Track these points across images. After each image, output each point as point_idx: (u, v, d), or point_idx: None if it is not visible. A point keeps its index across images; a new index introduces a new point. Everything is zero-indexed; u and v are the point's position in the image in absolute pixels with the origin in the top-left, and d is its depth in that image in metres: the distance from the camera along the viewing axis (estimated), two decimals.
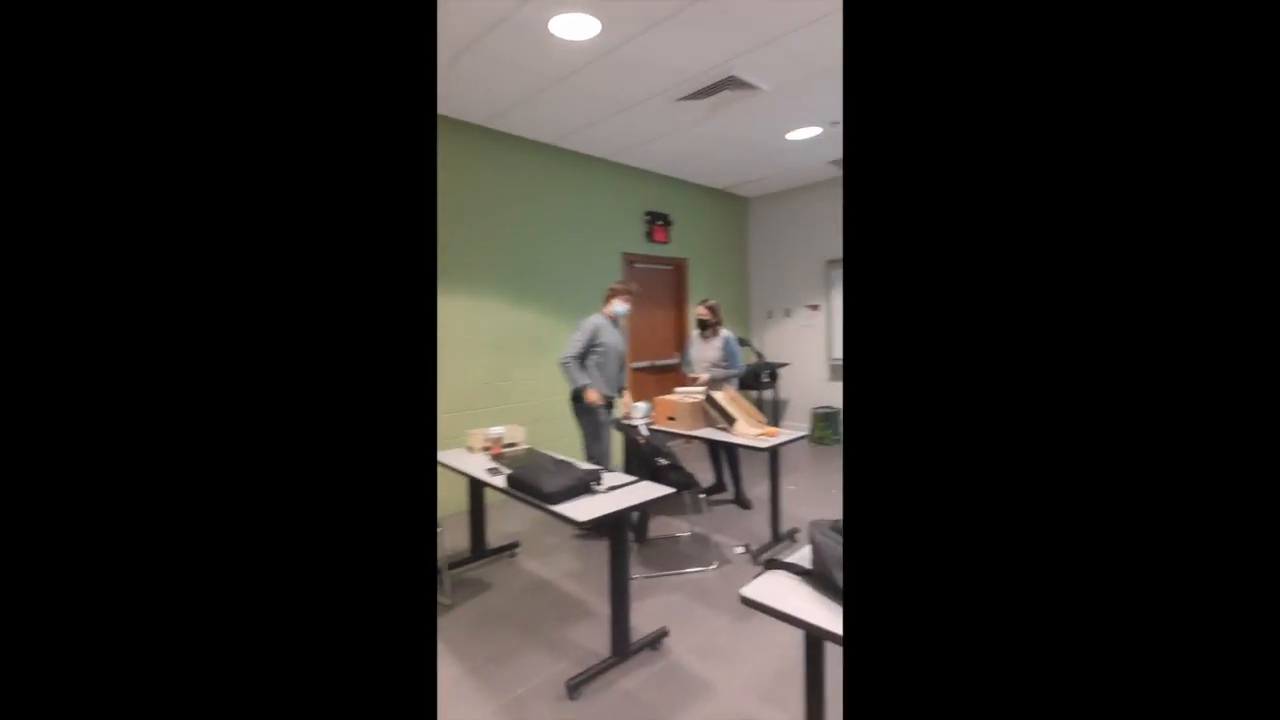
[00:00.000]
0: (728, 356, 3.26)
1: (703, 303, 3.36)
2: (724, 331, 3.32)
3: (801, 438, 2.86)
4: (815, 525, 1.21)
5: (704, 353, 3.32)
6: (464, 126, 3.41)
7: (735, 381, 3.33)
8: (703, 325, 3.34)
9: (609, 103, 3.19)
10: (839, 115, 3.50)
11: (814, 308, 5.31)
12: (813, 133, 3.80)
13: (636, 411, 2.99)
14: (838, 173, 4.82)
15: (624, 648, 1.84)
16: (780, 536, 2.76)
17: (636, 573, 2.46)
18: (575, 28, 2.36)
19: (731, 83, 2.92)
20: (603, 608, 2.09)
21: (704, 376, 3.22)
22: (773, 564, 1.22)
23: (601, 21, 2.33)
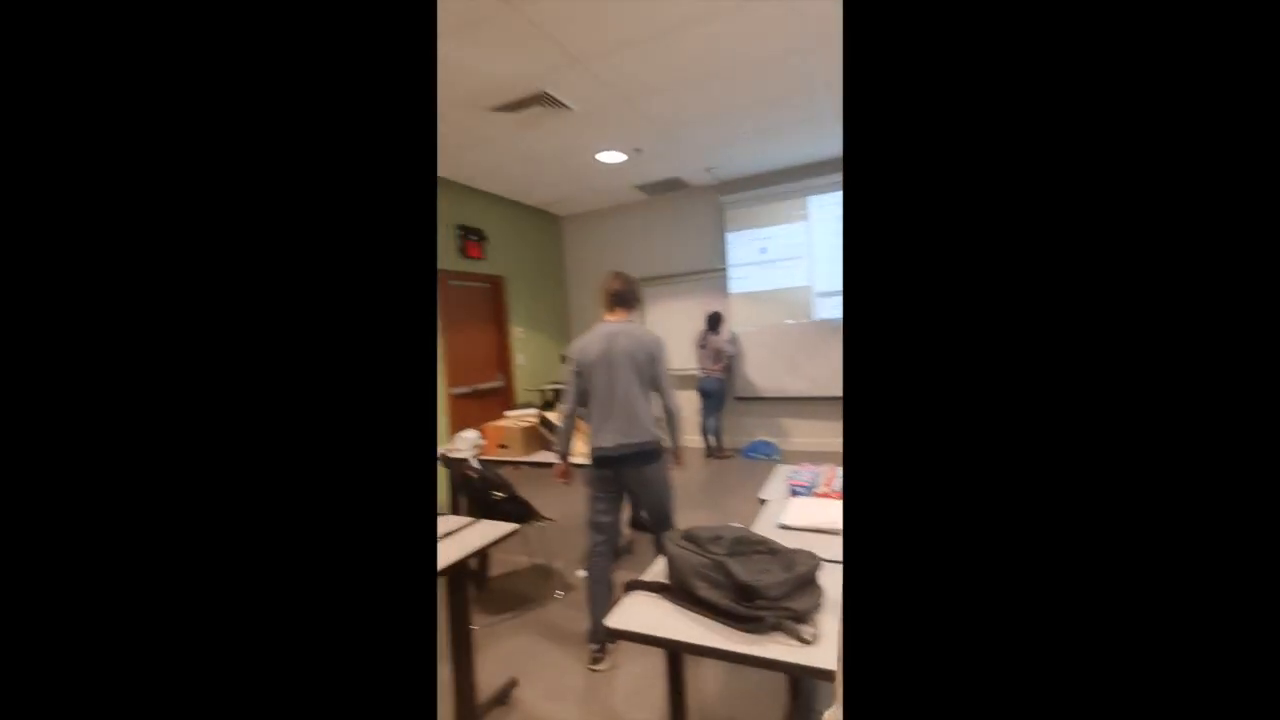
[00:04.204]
0: None
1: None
2: None
3: None
4: (667, 537, 1.22)
5: None
6: None
7: None
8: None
9: None
10: (641, 144, 3.74)
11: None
12: (619, 158, 3.99)
13: (463, 442, 2.74)
14: (644, 197, 5.15)
15: (470, 712, 1.63)
16: (619, 551, 2.77)
17: (477, 621, 2.23)
18: None
19: (544, 99, 2.90)
20: (442, 671, 1.84)
21: None
22: (632, 585, 1.19)
23: None
